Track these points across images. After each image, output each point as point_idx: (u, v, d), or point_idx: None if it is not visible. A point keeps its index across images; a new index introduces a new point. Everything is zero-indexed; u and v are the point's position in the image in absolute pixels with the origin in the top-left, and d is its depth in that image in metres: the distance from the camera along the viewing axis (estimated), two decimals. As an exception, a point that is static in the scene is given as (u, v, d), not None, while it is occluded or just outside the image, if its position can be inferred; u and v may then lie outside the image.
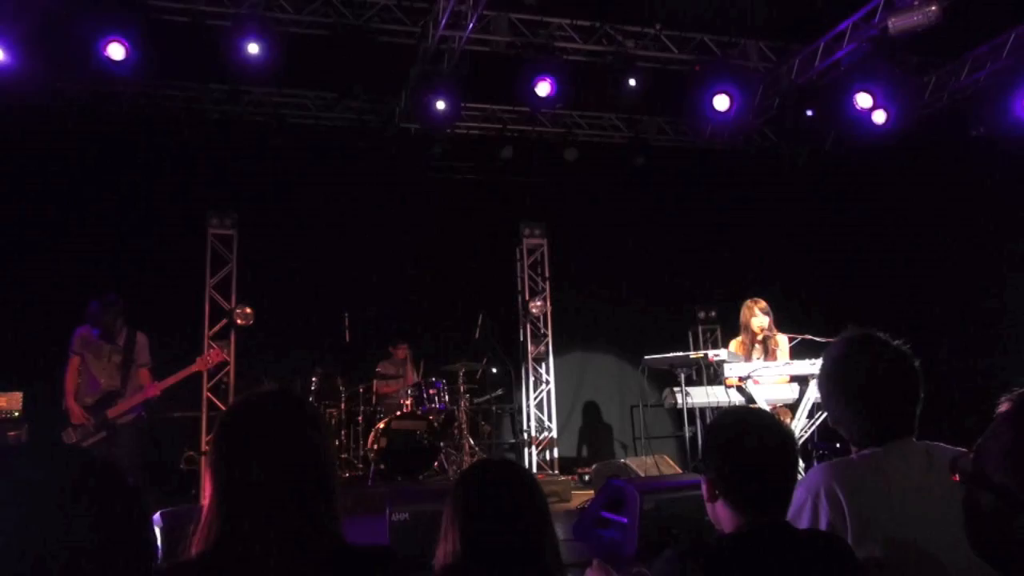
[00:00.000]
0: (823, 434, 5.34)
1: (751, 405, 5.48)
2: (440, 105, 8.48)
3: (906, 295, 9.51)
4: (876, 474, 2.06)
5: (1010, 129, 8.24)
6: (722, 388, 5.95)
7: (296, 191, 9.39)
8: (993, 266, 8.91)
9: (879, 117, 8.91)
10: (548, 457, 9.94)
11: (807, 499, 2.08)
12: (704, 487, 2.06)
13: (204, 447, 8.47)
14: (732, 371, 5.66)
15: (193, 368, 6.21)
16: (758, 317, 6.20)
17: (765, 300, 6.32)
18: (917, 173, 9.58)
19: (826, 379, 2.25)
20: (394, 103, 9.53)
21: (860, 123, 8.97)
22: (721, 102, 8.80)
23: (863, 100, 8.81)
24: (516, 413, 10.15)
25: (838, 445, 4.92)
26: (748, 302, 6.30)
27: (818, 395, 5.59)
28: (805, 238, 10.69)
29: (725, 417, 2.14)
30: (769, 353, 6.25)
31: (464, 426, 8.48)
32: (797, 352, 6.17)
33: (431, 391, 8.45)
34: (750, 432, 1.99)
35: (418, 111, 8.64)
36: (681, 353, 6.10)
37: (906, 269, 9.79)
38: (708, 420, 10.01)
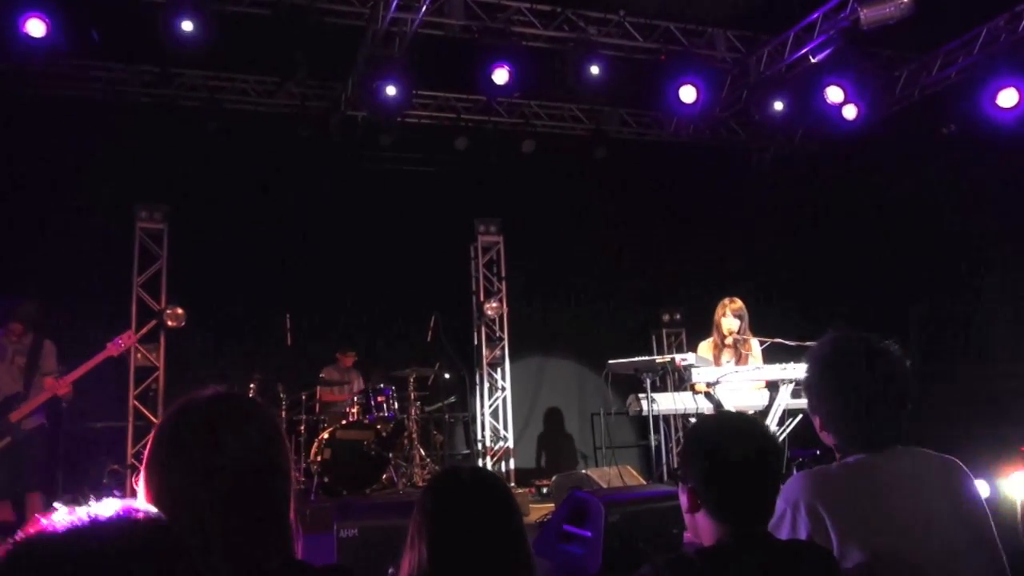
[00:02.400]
0: (801, 440, 5.41)
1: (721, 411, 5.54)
2: (390, 91, 8.42)
3: (880, 297, 9.70)
4: (863, 483, 2.08)
5: (981, 127, 8.46)
6: (689, 394, 5.99)
7: (233, 182, 9.24)
8: (970, 268, 9.14)
9: (849, 112, 9.09)
10: (504, 468, 9.93)
11: (786, 510, 2.09)
12: (684, 497, 2.05)
13: (130, 460, 8.27)
14: (700, 376, 5.70)
15: (103, 355, 6.04)
16: (728, 319, 6.26)
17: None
18: (889, 171, 9.80)
19: (814, 382, 2.26)
20: (340, 89, 9.44)
21: (830, 118, 9.14)
22: (687, 94, 8.89)
23: (834, 94, 8.98)
24: (470, 422, 10.14)
25: (818, 452, 4.99)
26: (724, 300, 6.35)
27: (788, 401, 5.72)
28: (775, 237, 10.86)
29: (708, 422, 2.14)
30: (741, 357, 6.31)
31: (414, 436, 8.44)
32: (768, 356, 6.24)
33: (379, 398, 8.39)
34: (735, 438, 1.99)
35: (366, 98, 8.56)
36: (647, 357, 6.12)
37: (880, 270, 9.99)
38: (675, 428, 10.26)
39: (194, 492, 1.55)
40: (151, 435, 1.66)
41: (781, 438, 5.44)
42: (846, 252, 10.48)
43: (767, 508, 1.99)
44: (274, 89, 9.48)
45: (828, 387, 2.23)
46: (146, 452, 1.65)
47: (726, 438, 1.98)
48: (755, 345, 6.38)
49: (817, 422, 2.27)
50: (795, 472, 2.15)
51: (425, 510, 1.88)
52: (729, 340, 6.31)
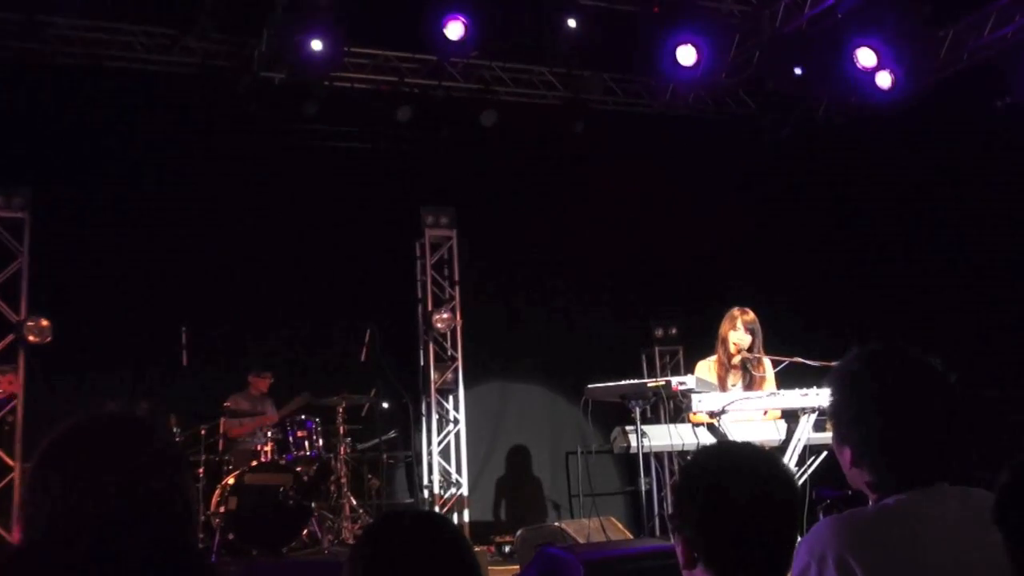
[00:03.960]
0: (827, 480, 5.46)
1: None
2: (315, 47, 8.39)
3: (920, 306, 9.83)
4: (905, 530, 2.09)
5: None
6: (688, 427, 5.98)
7: (115, 160, 9.14)
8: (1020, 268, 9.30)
9: (884, 80, 9.24)
10: (457, 521, 9.89)
11: (809, 564, 2.10)
12: (679, 550, 2.05)
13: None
14: (702, 403, 5.72)
15: None
16: (739, 333, 6.29)
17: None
18: (932, 152, 9.94)
19: (842, 408, 2.27)
20: (253, 44, 9.38)
21: (860, 87, 9.28)
22: (685, 55, 8.98)
23: (865, 57, 9.13)
24: (414, 463, 10.10)
25: (849, 492, 5.04)
26: (734, 311, 6.38)
27: (811, 434, 5.78)
28: (791, 233, 10.96)
29: (706, 456, 2.13)
30: (752, 381, 6.36)
31: (344, 480, 8.39)
32: (784, 380, 6.29)
33: (299, 433, 8.34)
34: (741, 474, 1.99)
35: (286, 55, 8.54)
36: (635, 380, 6.12)
37: (919, 274, 10.13)
38: (670, 469, 10.29)
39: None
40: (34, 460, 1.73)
41: (802, 480, 5.49)
42: (880, 251, 10.62)
43: (782, 562, 1.99)
44: (168, 44, 9.39)
45: (859, 412, 2.24)
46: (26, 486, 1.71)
47: (729, 474, 1.99)
48: (769, 366, 6.42)
49: (846, 457, 2.28)
50: (821, 517, 2.17)
51: (359, 566, 1.86)
52: (737, 359, 6.35)
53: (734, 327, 6.36)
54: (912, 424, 2.19)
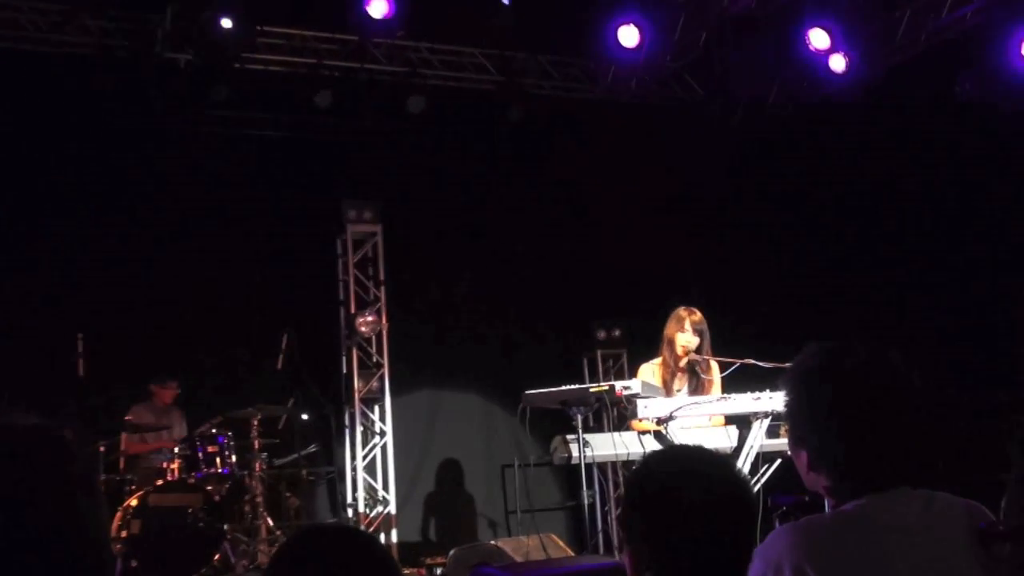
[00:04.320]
0: (784, 485, 5.51)
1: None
2: (225, 25, 8.28)
3: (877, 307, 10.00)
4: (862, 537, 2.11)
5: (1004, 85, 8.79)
6: (634, 435, 6.01)
7: (1, 151, 8.94)
8: (994, 267, 9.47)
9: (837, 64, 9.37)
10: (385, 542, 9.85)
11: (766, 574, 2.11)
12: (627, 561, 2.05)
13: None
14: (649, 409, 5.74)
15: None
16: (687, 333, 6.34)
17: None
18: (889, 141, 10.11)
19: (798, 407, 2.28)
20: (156, 22, 9.25)
21: (814, 70, 9.40)
22: (627, 36, 9.02)
23: (817, 39, 9.25)
24: (337, 480, 10.05)
25: (807, 498, 5.09)
26: (680, 311, 6.44)
27: (764, 441, 5.83)
28: (743, 227, 11.08)
29: (655, 461, 2.15)
30: (699, 385, 6.41)
31: (259, 500, 8.34)
32: (731, 384, 6.34)
33: (209, 449, 8.29)
34: (692, 479, 2.01)
35: (192, 34, 8.41)
36: (577, 386, 6.12)
37: (876, 271, 10.29)
38: (614, 481, 10.33)
39: None
40: None
41: (755, 489, 5.53)
42: (835, 245, 10.77)
43: (736, 571, 2.01)
44: (61, 21, 9.22)
45: (815, 413, 2.25)
46: None
47: (679, 478, 2.00)
48: (716, 369, 6.48)
49: (803, 460, 2.28)
50: (777, 525, 2.18)
51: None
52: (684, 362, 6.40)
53: (681, 328, 6.41)
54: (871, 424, 2.20)
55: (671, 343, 6.45)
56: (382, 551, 1.94)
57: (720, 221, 11.16)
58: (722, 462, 2.10)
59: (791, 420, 2.32)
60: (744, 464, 5.73)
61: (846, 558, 2.08)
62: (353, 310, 10.23)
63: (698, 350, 6.40)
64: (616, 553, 9.75)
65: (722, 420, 6.21)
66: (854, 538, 2.12)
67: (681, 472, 2.03)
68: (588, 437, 5.98)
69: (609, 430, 6.35)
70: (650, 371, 6.51)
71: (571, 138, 10.92)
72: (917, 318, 9.74)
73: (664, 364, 6.48)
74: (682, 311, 6.48)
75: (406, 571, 8.58)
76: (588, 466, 6.01)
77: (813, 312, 10.16)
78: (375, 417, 10.29)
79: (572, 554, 7.35)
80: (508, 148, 10.76)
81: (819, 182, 10.86)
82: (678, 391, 6.42)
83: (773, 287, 10.80)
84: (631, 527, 2.04)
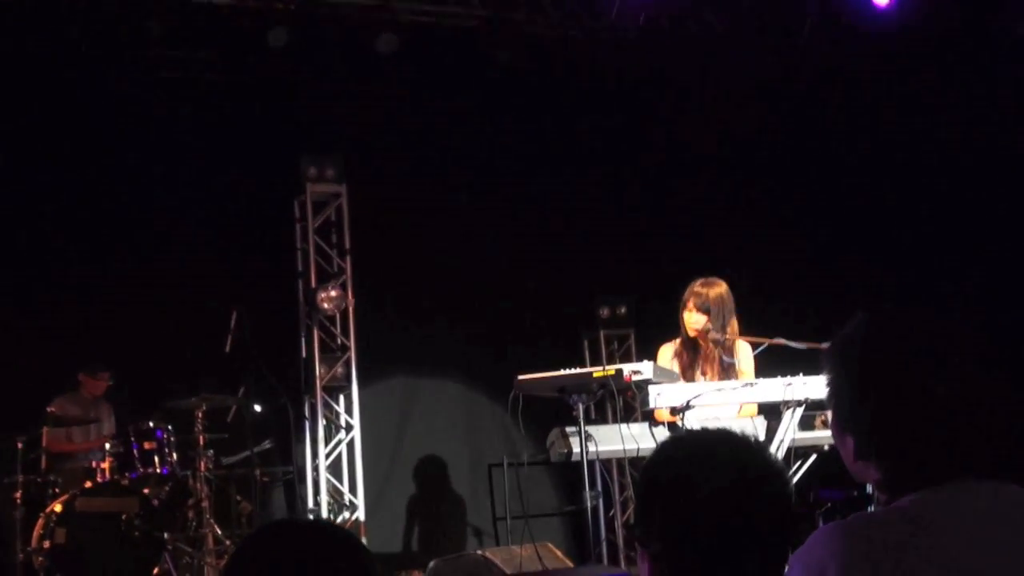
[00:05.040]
0: (829, 478, 5.52)
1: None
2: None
3: (931, 273, 9.98)
4: (920, 538, 2.09)
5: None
6: (644, 427, 6.01)
7: None
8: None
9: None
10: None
11: (808, 580, 2.10)
12: (642, 566, 2.04)
13: None
14: (662, 397, 5.72)
15: None
16: (691, 312, 6.34)
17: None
18: (938, 86, 10.08)
19: (843, 387, 2.27)
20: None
21: (853, 3, 9.37)
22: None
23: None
24: (296, 481, 10.03)
25: (855, 493, 5.10)
26: (695, 284, 6.44)
27: (797, 434, 5.83)
28: (768, 188, 11.05)
29: (674, 445, 2.14)
30: (725, 370, 6.40)
31: (206, 504, 8.36)
32: (764, 366, 6.33)
33: (146, 445, 8.27)
34: (712, 465, 1.99)
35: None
36: (578, 370, 6.11)
37: (927, 236, 10.28)
38: (620, 483, 10.31)
39: None
40: None
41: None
42: (878, 205, 10.75)
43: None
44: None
45: (862, 390, 2.23)
46: None
47: (700, 463, 1.99)
48: (745, 351, 6.47)
49: (849, 448, 2.27)
50: (820, 524, 2.16)
51: None
52: (708, 344, 6.40)
53: (685, 306, 6.41)
54: (928, 404, 2.18)
55: (681, 323, 6.45)
56: (366, 554, 1.94)
57: (743, 179, 11.11)
58: (753, 447, 2.08)
59: (834, 401, 2.30)
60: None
61: (902, 564, 2.07)
62: (314, 284, 10.20)
63: (714, 329, 6.38)
64: (623, 563, 9.81)
65: (754, 409, 6.20)
66: (910, 540, 2.10)
67: (704, 457, 2.01)
68: (591, 430, 5.98)
69: (615, 420, 6.33)
70: (669, 353, 6.51)
71: (569, 82, 10.88)
72: (974, 285, 9.73)
73: (680, 345, 6.48)
74: (696, 284, 6.46)
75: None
76: (591, 464, 6.02)
77: (855, 285, 10.17)
78: (340, 408, 10.28)
79: (572, 566, 7.36)
80: (496, 95, 10.71)
81: (859, 133, 10.83)
82: (703, 377, 6.41)
83: (807, 255, 10.79)
84: (646, 526, 2.03)
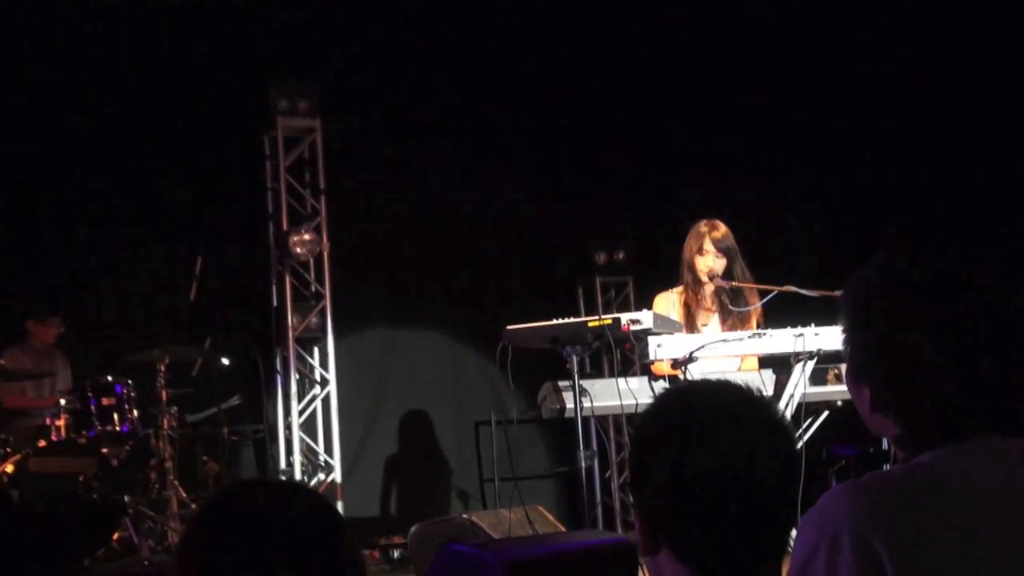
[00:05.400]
0: (843, 434, 5.52)
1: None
2: None
3: (958, 220, 9.98)
4: (941, 498, 2.09)
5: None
6: (644, 380, 6.04)
7: None
8: None
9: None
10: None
11: (818, 546, 2.09)
12: (638, 530, 2.04)
13: None
14: (664, 348, 5.74)
15: None
16: (708, 256, 6.33)
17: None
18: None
19: (858, 334, 2.27)
20: None
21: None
22: None
23: None
24: (267, 440, 10.04)
25: (871, 450, 5.12)
26: (700, 225, 6.43)
27: (808, 388, 5.84)
28: (790, 116, 10.99)
29: (672, 398, 2.13)
30: (733, 320, 6.41)
31: (169, 465, 8.38)
32: (772, 316, 6.34)
33: (104, 401, 8.28)
34: (716, 422, 1.99)
35: None
36: (572, 319, 6.11)
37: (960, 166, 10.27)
38: (617, 441, 10.34)
39: None
40: None
41: (799, 442, 5.55)
42: (901, 129, 10.70)
43: (776, 544, 2.00)
44: None
45: (880, 335, 2.23)
46: None
47: (700, 422, 1.98)
48: (755, 298, 6.48)
49: (864, 399, 2.27)
50: (833, 483, 2.16)
51: (193, 559, 1.82)
52: (710, 289, 6.39)
53: (700, 248, 6.40)
54: (951, 354, 2.18)
55: (692, 266, 6.44)
56: (340, 517, 1.93)
57: (761, 110, 11.03)
58: (757, 400, 2.07)
59: (849, 349, 2.31)
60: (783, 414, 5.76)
61: (920, 525, 2.07)
62: (286, 226, 10.15)
63: (727, 275, 6.38)
64: (619, 528, 9.86)
65: (755, 363, 6.21)
66: (931, 500, 2.10)
67: (704, 411, 2.00)
68: (585, 384, 6.01)
69: (612, 374, 6.34)
70: (668, 302, 6.53)
71: (560, 12, 10.80)
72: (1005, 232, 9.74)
73: (685, 294, 6.46)
74: (702, 225, 6.47)
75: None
76: (585, 421, 6.05)
77: (869, 227, 10.17)
78: (314, 362, 10.29)
79: (564, 530, 7.40)
80: (486, 16, 10.63)
81: (862, 49, 10.75)
82: (705, 327, 6.42)
83: (820, 195, 10.78)
84: (640, 486, 2.03)
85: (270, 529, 1.82)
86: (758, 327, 6.35)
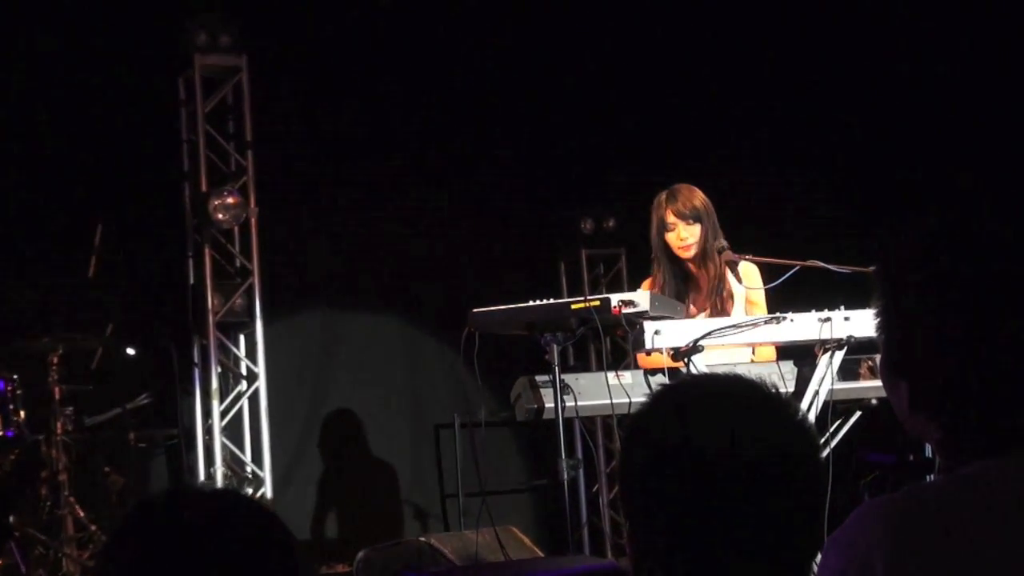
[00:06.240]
0: (875, 438, 5.55)
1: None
2: None
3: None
4: (991, 518, 2.10)
5: None
6: (639, 374, 6.06)
7: None
8: None
9: None
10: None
11: (846, 574, 2.11)
12: (628, 551, 2.08)
13: None
14: (662, 337, 5.76)
15: None
16: (675, 230, 6.36)
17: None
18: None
19: (894, 315, 2.27)
20: None
21: None
22: None
23: None
24: (182, 447, 10.03)
25: (911, 458, 5.14)
26: (660, 195, 6.48)
27: (834, 384, 5.86)
28: (801, 56, 11.05)
29: (670, 395, 2.16)
30: (722, 303, 6.44)
31: (63, 479, 8.38)
32: (785, 300, 6.35)
33: (-15, 400, 8.27)
34: (723, 425, 1.99)
35: None
36: (552, 301, 6.13)
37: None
38: (614, 444, 10.31)
39: None
40: None
41: (825, 448, 5.57)
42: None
43: (794, 569, 2.02)
44: None
45: (925, 316, 2.22)
46: None
47: (701, 421, 1.99)
48: (754, 275, 6.52)
49: (901, 395, 2.27)
50: (865, 498, 2.17)
51: None
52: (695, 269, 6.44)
53: (663, 222, 6.42)
54: (1010, 342, 2.18)
55: (665, 248, 6.46)
56: (290, 535, 1.93)
57: (768, 51, 11.11)
58: (774, 398, 2.08)
59: (885, 336, 2.30)
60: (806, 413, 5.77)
61: (965, 552, 2.08)
62: (205, 187, 10.10)
63: (706, 245, 6.39)
64: (609, 552, 9.88)
65: (772, 352, 6.23)
66: (976, 521, 2.10)
67: (708, 410, 2.00)
68: (568, 379, 6.03)
69: (601, 367, 6.36)
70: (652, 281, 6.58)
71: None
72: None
73: (657, 281, 6.50)
74: (664, 196, 6.49)
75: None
76: (568, 423, 6.08)
77: (902, 190, 10.23)
78: (239, 352, 10.26)
79: (542, 555, 7.41)
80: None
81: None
82: (701, 313, 6.45)
83: (844, 154, 10.84)
84: (630, 498, 2.03)
85: (206, 553, 1.82)
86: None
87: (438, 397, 10.56)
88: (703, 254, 6.39)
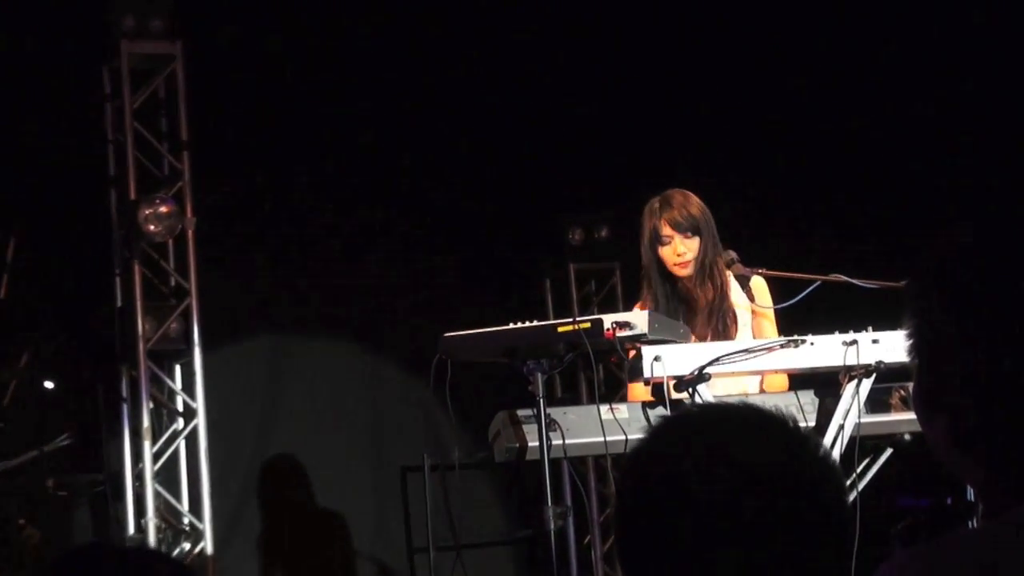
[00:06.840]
0: (912, 480, 5.57)
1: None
2: None
3: None
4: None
5: None
6: (636, 407, 6.06)
7: None
8: None
9: None
10: (195, 606, 9.93)
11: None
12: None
13: None
14: (665, 363, 5.77)
15: None
16: (669, 243, 6.36)
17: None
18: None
19: (930, 337, 2.25)
20: None
21: None
22: None
23: None
24: (109, 496, 10.01)
25: (948, 501, 5.15)
26: (652, 202, 6.51)
27: (859, 414, 5.87)
28: (809, 53, 11.10)
29: (670, 430, 2.16)
30: (732, 324, 6.45)
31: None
32: (803, 321, 6.37)
33: None
34: (731, 465, 1.99)
35: None
36: (535, 323, 6.15)
37: None
38: (607, 488, 10.30)
39: None
40: None
41: (852, 491, 5.58)
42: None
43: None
44: None
45: (962, 346, 2.23)
46: None
47: (706, 460, 1.98)
48: (762, 291, 6.54)
49: (940, 431, 2.27)
50: (897, 549, 2.17)
51: None
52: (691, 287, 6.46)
53: (656, 233, 6.42)
54: None
55: (658, 263, 6.48)
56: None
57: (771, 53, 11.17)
58: (793, 433, 2.08)
59: (919, 361, 2.30)
60: (831, 449, 5.78)
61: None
62: (134, 194, 10.10)
63: (706, 260, 6.41)
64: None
65: (784, 382, 6.24)
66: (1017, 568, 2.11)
67: (714, 448, 2.01)
68: (555, 413, 6.04)
69: (592, 401, 6.36)
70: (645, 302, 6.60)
71: None
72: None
73: (648, 302, 6.52)
74: (656, 203, 6.51)
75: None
76: (555, 465, 6.07)
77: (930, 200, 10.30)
78: (175, 385, 10.27)
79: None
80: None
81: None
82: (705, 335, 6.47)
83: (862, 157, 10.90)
84: (628, 550, 2.04)
85: None
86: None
87: (405, 436, 10.56)
88: (702, 271, 6.40)
